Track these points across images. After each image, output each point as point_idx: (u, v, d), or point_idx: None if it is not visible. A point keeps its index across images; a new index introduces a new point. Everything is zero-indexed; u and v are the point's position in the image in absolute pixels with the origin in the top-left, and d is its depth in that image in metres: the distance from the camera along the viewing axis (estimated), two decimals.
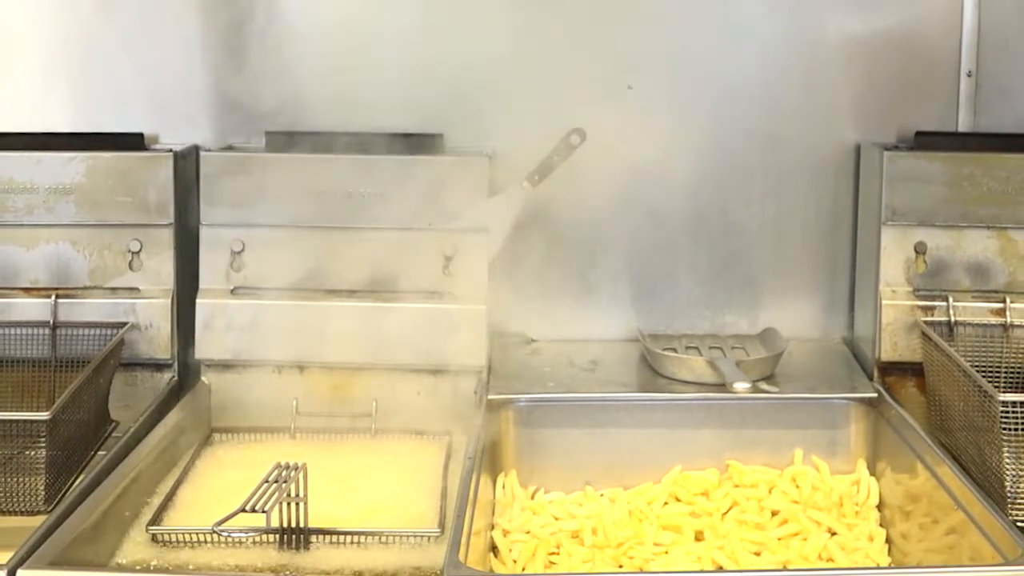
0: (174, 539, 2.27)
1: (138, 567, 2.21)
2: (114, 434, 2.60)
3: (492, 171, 2.87)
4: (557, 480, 2.69)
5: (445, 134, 2.94)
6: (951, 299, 2.79)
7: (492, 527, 2.50)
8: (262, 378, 2.83)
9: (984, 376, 2.38)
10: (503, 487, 2.64)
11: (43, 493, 2.26)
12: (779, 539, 2.46)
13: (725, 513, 2.55)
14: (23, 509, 2.26)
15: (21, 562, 2.02)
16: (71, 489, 2.33)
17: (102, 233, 2.82)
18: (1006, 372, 2.71)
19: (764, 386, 2.75)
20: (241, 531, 2.21)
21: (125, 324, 2.76)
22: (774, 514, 2.54)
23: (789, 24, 3.00)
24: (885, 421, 2.66)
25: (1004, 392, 2.28)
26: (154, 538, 2.28)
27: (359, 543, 2.27)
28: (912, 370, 2.79)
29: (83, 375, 2.45)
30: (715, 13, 3.00)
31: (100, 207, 2.81)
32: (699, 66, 3.01)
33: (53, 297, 2.79)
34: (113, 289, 2.82)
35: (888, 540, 2.50)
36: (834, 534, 2.48)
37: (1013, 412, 2.24)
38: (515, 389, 2.76)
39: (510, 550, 2.43)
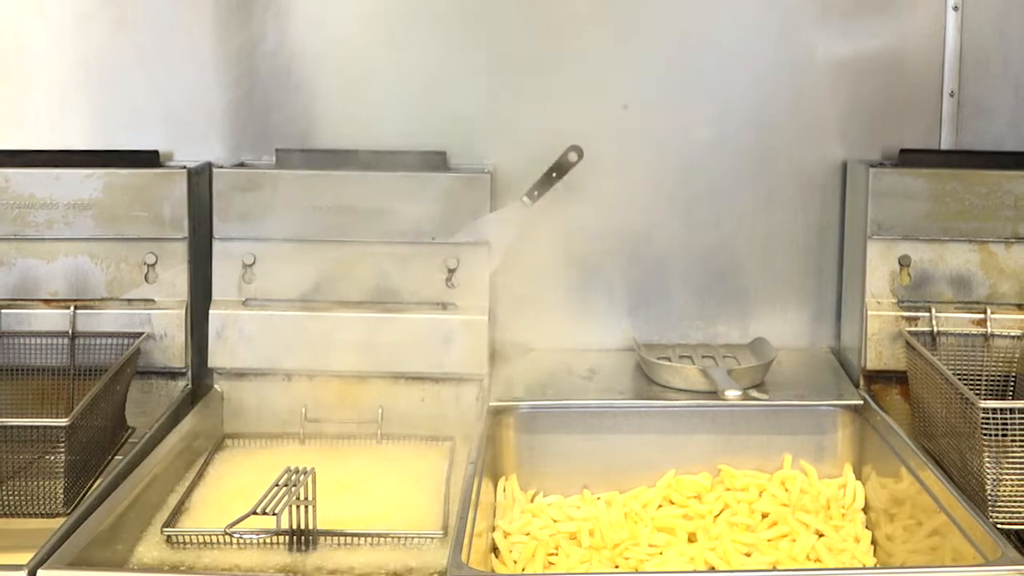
0: (188, 540, 2.27)
1: (153, 567, 2.22)
2: (130, 440, 2.61)
3: (493, 187, 2.88)
4: (556, 484, 2.69)
5: (448, 152, 2.94)
6: (934, 310, 2.80)
7: (493, 529, 2.50)
8: (272, 386, 2.84)
9: (966, 384, 2.38)
10: (504, 490, 2.64)
11: (62, 496, 2.27)
12: (769, 540, 2.46)
13: (717, 515, 2.56)
14: (43, 512, 2.26)
15: (41, 563, 2.03)
16: (89, 492, 2.34)
17: (119, 247, 2.83)
18: (987, 380, 2.72)
19: (754, 393, 2.75)
20: (252, 533, 2.21)
21: (141, 334, 2.77)
22: (764, 516, 2.55)
23: (779, 47, 3.00)
24: (871, 427, 2.67)
25: (985, 399, 2.28)
26: (169, 539, 2.28)
27: (366, 544, 2.27)
28: (896, 378, 2.80)
29: (100, 383, 2.45)
30: (708, 36, 3.01)
31: (117, 222, 2.82)
32: (692, 87, 3.02)
33: (72, 308, 2.80)
34: (129, 300, 2.83)
35: (873, 541, 2.50)
36: (821, 536, 2.48)
37: (993, 419, 2.24)
38: (515, 396, 2.76)
39: (510, 551, 2.44)
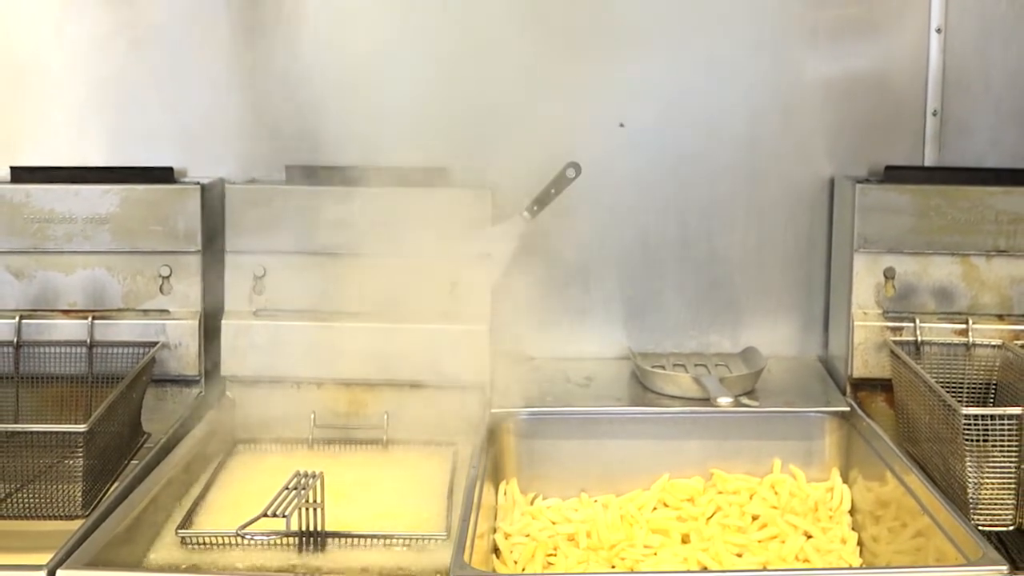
0: (201, 542, 2.29)
1: (168, 568, 2.23)
2: (146, 445, 2.62)
3: (494, 202, 2.89)
4: (554, 487, 2.70)
5: (451, 168, 2.95)
6: (918, 320, 2.81)
7: (494, 531, 2.51)
8: (282, 393, 2.85)
9: (948, 391, 2.40)
10: (504, 493, 2.65)
11: (80, 499, 2.28)
12: (759, 542, 2.47)
13: (709, 518, 2.57)
14: (62, 514, 2.27)
15: (60, 563, 2.04)
16: (106, 495, 2.35)
17: (135, 259, 2.84)
18: (968, 388, 2.73)
19: (745, 400, 2.76)
20: (263, 534, 2.22)
21: (156, 343, 2.78)
22: (754, 519, 2.56)
23: (769, 67, 3.01)
24: (857, 433, 2.68)
25: (967, 406, 2.29)
26: (183, 541, 2.30)
27: (372, 545, 2.28)
28: (882, 386, 2.80)
29: (117, 390, 2.46)
30: (701, 56, 3.01)
31: (133, 235, 2.83)
32: (686, 105, 3.03)
33: (90, 318, 2.81)
34: (145, 311, 2.84)
35: (860, 543, 2.51)
36: (810, 537, 2.49)
37: (975, 425, 2.25)
38: (516, 403, 2.77)
39: (511, 552, 2.45)
